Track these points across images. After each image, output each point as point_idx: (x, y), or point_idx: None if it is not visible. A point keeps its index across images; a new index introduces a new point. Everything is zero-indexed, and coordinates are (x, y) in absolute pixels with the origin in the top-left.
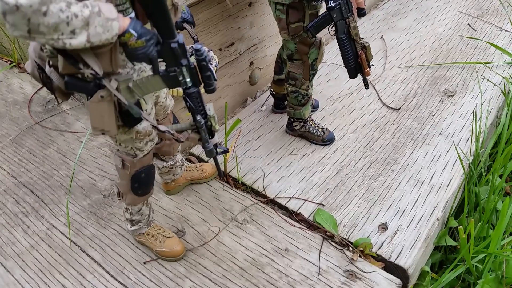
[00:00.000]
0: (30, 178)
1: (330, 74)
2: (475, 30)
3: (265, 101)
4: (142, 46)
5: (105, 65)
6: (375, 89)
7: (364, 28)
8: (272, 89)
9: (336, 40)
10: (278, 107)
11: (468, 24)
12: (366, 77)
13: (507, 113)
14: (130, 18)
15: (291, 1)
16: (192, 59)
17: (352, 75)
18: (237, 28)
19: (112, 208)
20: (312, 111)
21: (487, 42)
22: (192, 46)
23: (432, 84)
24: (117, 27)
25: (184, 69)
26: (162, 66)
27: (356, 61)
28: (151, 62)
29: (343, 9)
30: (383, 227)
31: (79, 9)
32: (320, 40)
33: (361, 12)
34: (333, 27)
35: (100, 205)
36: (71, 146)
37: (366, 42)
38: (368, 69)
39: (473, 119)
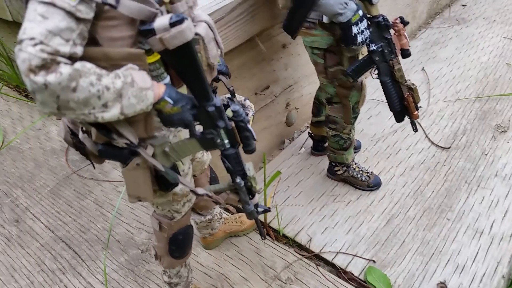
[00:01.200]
0: (67, 232)
1: (370, 111)
2: None
3: (304, 143)
4: (178, 112)
5: (139, 132)
6: (421, 126)
7: (404, 60)
8: (310, 131)
9: (380, 83)
10: (317, 149)
11: None
12: (414, 120)
13: None
14: (165, 84)
15: (329, 46)
16: (229, 112)
17: (399, 119)
18: (272, 71)
19: (150, 265)
20: (354, 153)
21: None
22: (227, 98)
23: (481, 119)
24: (152, 96)
25: (221, 131)
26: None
27: (402, 104)
28: (187, 127)
29: (386, 51)
30: (442, 286)
31: (110, 81)
32: (362, 82)
33: (406, 53)
34: (376, 70)
35: (138, 261)
36: (108, 197)
37: (413, 84)
38: (416, 112)
39: None
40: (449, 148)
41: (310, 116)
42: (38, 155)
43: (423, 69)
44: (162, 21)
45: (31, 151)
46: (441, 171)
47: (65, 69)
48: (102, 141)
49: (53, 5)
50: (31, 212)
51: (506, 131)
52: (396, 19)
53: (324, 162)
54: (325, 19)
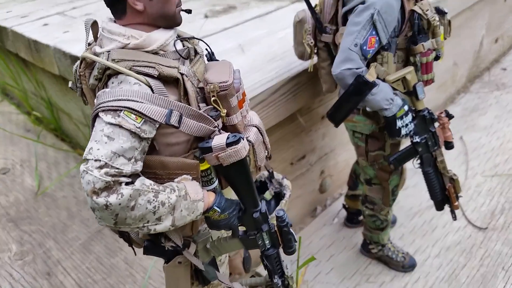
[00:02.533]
0: None
1: (407, 181)
2: None
3: (337, 213)
4: (225, 218)
5: (185, 231)
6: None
7: None
8: (345, 203)
9: (422, 172)
10: (351, 221)
11: None
12: (455, 210)
13: None
14: (214, 191)
15: (371, 132)
16: (273, 219)
17: (439, 208)
18: (309, 141)
19: None
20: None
21: None
22: (266, 177)
23: None
24: (202, 207)
25: (264, 234)
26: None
27: (444, 194)
28: (231, 229)
29: (429, 143)
30: None
31: (166, 197)
32: (402, 167)
33: (449, 146)
34: (418, 160)
35: None
36: (138, 256)
37: (454, 175)
38: (457, 202)
39: None
40: (486, 228)
41: (344, 182)
42: (72, 205)
43: (461, 138)
44: (219, 140)
45: (65, 199)
46: (477, 254)
47: (126, 190)
48: (147, 238)
49: (120, 126)
50: (62, 266)
51: None
52: (441, 112)
53: (357, 235)
54: (368, 109)
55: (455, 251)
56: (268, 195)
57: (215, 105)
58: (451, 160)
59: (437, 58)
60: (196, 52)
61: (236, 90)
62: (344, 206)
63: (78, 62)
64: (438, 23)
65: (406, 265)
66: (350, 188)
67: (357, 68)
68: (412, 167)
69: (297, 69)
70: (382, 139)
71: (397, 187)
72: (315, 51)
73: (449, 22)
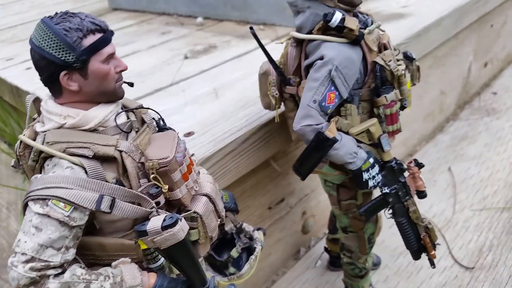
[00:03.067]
0: None
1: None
2: None
3: (320, 256)
4: None
5: None
6: (445, 240)
7: (429, 158)
8: (327, 246)
9: (395, 223)
10: (334, 265)
11: None
12: (433, 259)
13: None
14: (157, 271)
15: (342, 182)
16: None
17: (416, 257)
18: (287, 184)
19: None
20: (372, 269)
21: None
22: (234, 233)
23: (509, 233)
24: None
25: None
26: None
27: (419, 243)
28: None
29: (400, 193)
30: None
31: (99, 286)
32: (377, 215)
33: (422, 195)
34: (390, 210)
35: None
36: None
37: (429, 223)
38: (433, 252)
39: None
40: (473, 268)
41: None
42: None
43: (449, 169)
44: (155, 223)
45: None
46: None
47: (53, 285)
48: None
49: (48, 216)
50: None
51: None
52: (411, 162)
53: (341, 280)
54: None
55: None
56: (235, 252)
57: (156, 182)
58: (440, 193)
59: (402, 108)
60: (143, 122)
61: (179, 164)
62: (326, 249)
63: (18, 142)
64: (403, 72)
65: None
66: (331, 232)
67: (317, 124)
68: None
69: (268, 116)
70: (354, 188)
71: (373, 235)
72: (282, 101)
73: (418, 67)
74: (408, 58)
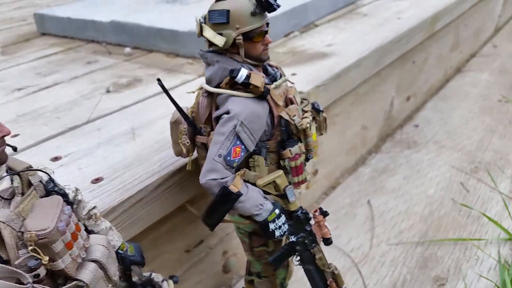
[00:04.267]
0: None
1: None
2: (468, 191)
3: None
4: None
5: None
6: (361, 275)
7: (350, 190)
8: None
9: (303, 269)
10: None
11: (461, 183)
12: None
13: None
14: None
15: (253, 229)
16: None
17: None
18: (204, 227)
19: None
20: None
21: (480, 212)
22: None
23: (422, 267)
24: None
25: None
26: None
27: None
28: None
29: (307, 241)
30: None
31: None
32: (288, 261)
33: (328, 242)
34: (298, 257)
35: None
36: None
37: (336, 269)
38: None
39: None
40: None
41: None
42: None
43: (368, 202)
44: None
45: None
46: None
47: None
48: None
49: None
50: None
51: (444, 284)
52: (316, 211)
53: None
54: None
55: None
56: None
57: (35, 254)
58: (358, 227)
59: (307, 159)
60: (30, 184)
61: (62, 233)
62: None
63: None
64: (308, 125)
65: None
66: (248, 273)
67: (222, 178)
68: None
69: (183, 160)
70: None
71: (285, 279)
72: (195, 148)
73: (325, 119)
74: (315, 110)
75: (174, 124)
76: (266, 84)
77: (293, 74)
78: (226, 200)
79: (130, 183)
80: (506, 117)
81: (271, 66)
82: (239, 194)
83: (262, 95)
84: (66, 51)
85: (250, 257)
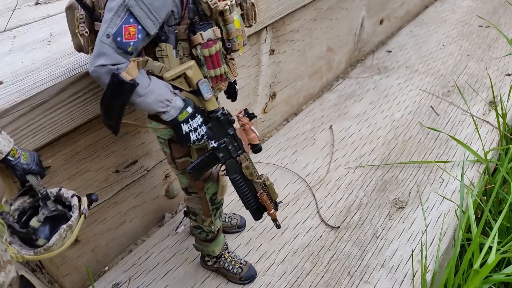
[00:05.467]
0: None
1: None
2: (438, 115)
3: (181, 221)
4: None
5: None
6: (315, 199)
7: (313, 116)
8: (186, 209)
9: (229, 180)
10: None
11: (431, 106)
12: (274, 219)
13: (457, 239)
14: None
15: (171, 136)
16: None
17: (256, 217)
18: (140, 144)
19: None
20: (237, 231)
21: (449, 135)
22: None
23: (381, 190)
24: None
25: None
26: None
27: (258, 201)
28: None
29: (230, 147)
30: None
31: None
32: (218, 173)
33: (256, 149)
34: (224, 167)
35: None
36: None
37: (267, 179)
38: (273, 210)
39: (421, 246)
40: (338, 227)
41: None
42: None
43: (330, 127)
44: None
45: None
46: (325, 257)
47: None
48: None
49: None
50: None
51: (403, 207)
52: (240, 112)
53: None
54: None
55: (302, 255)
56: (35, 222)
57: None
58: (317, 152)
59: (229, 50)
60: None
61: None
62: (185, 213)
63: None
64: (226, 7)
65: (243, 277)
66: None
67: (113, 64)
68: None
69: None
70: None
71: (216, 195)
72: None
73: (253, 4)
74: None
75: (69, 11)
76: None
77: None
78: (118, 91)
79: (29, 86)
80: (485, 42)
81: None
82: (133, 84)
83: None
84: None
85: (174, 170)
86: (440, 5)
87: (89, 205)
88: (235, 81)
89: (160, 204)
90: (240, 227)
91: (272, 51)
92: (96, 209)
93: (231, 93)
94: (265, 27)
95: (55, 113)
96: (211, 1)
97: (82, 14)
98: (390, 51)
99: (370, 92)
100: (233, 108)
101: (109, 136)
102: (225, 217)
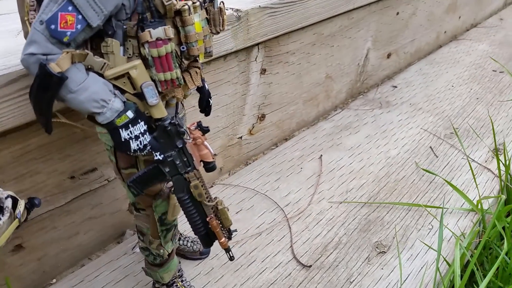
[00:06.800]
0: None
1: (243, 203)
2: (437, 157)
3: (137, 241)
4: None
5: None
6: (290, 232)
7: (303, 144)
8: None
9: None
10: None
11: (430, 147)
12: (225, 248)
13: None
14: None
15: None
16: None
17: (206, 244)
18: (102, 151)
19: None
20: (199, 258)
21: (444, 180)
22: None
23: (363, 230)
24: None
25: None
26: None
27: (208, 227)
28: None
29: (178, 162)
30: None
31: None
32: (170, 190)
33: (209, 167)
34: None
35: None
36: None
37: (220, 203)
38: (224, 239)
39: None
40: (310, 266)
41: None
42: None
43: (320, 157)
44: None
45: None
46: None
47: None
48: None
49: None
50: None
51: (385, 252)
52: (193, 124)
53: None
54: None
55: None
56: None
57: None
58: (302, 182)
59: (190, 54)
60: None
61: None
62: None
63: None
64: (185, 7)
65: None
66: None
67: (43, 54)
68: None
69: None
70: None
71: (166, 215)
72: None
73: (221, 10)
74: None
75: None
76: None
77: None
78: (45, 83)
79: None
80: (497, 87)
81: None
82: (61, 77)
83: None
84: None
85: (121, 182)
86: (454, 46)
87: (29, 209)
88: (209, 94)
89: (121, 218)
90: (203, 253)
91: (263, 71)
92: (46, 215)
93: (204, 107)
94: (257, 44)
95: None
96: None
97: (33, 1)
98: (396, 87)
99: (368, 126)
100: (216, 125)
101: (66, 137)
102: (187, 241)
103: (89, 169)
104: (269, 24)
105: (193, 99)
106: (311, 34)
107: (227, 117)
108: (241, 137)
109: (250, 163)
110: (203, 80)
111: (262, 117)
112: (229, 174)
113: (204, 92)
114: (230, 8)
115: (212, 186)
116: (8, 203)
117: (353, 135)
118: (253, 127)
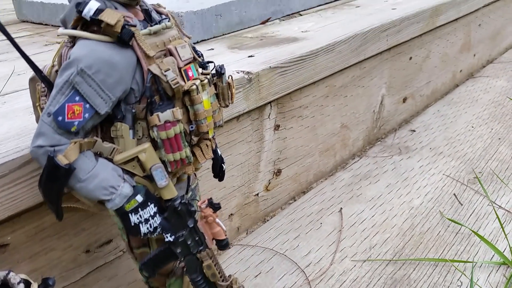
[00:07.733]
0: None
1: (262, 265)
2: (462, 205)
3: None
4: None
5: None
6: None
7: (322, 196)
8: None
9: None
10: None
11: (454, 194)
12: None
13: None
14: None
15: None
16: None
17: None
18: (114, 223)
19: None
20: None
21: (471, 230)
22: None
23: None
24: None
25: None
26: None
27: None
28: None
29: (190, 242)
30: None
31: None
32: (183, 270)
33: (222, 245)
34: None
35: None
36: None
37: (236, 282)
38: None
39: None
40: None
41: None
42: None
43: (340, 210)
44: None
45: None
46: None
47: None
48: None
49: None
50: None
51: None
52: (203, 202)
53: None
54: None
55: None
56: None
57: None
58: (322, 238)
59: (198, 132)
60: None
61: None
62: None
63: None
64: (193, 87)
65: None
66: None
67: (50, 146)
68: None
69: None
70: None
71: None
72: None
73: (229, 85)
74: (217, 73)
75: (32, 83)
76: (130, 26)
77: (250, 56)
78: (53, 175)
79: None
80: None
81: (159, 12)
82: (68, 169)
83: (121, 39)
84: (32, 35)
85: (134, 261)
86: (471, 84)
87: None
88: (222, 159)
89: None
90: None
91: (277, 127)
92: None
93: (217, 172)
94: (269, 102)
95: (13, 188)
96: (172, 81)
97: (44, 87)
98: (414, 131)
99: (388, 174)
100: (231, 184)
101: (80, 213)
102: None
103: (105, 241)
104: (280, 83)
105: (206, 162)
106: (323, 87)
107: (242, 175)
108: (257, 194)
109: (268, 220)
110: (215, 148)
111: (278, 172)
112: (246, 233)
113: (217, 158)
114: (241, 71)
115: (230, 247)
116: (21, 286)
117: (373, 184)
118: (269, 183)
